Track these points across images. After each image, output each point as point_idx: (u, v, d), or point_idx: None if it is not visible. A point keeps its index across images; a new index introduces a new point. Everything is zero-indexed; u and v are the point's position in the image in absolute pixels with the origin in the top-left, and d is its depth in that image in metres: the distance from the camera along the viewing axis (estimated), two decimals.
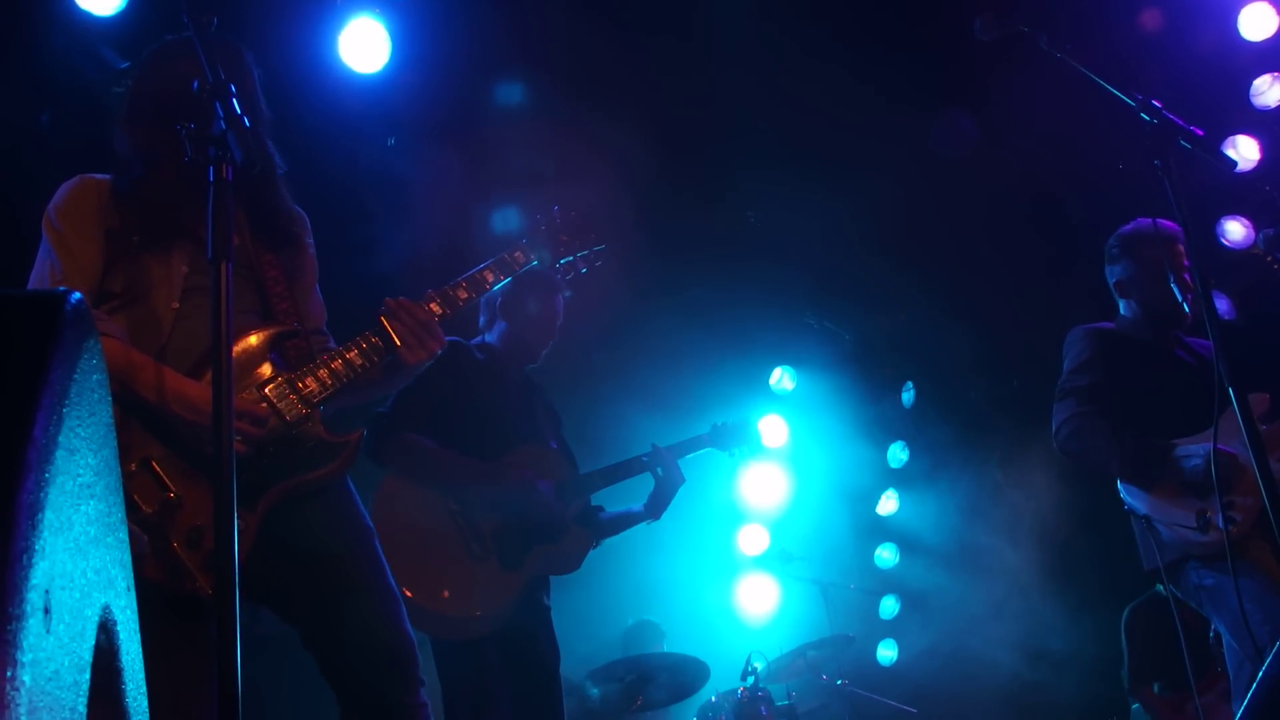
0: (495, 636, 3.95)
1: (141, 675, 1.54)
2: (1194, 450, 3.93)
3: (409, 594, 3.66)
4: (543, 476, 4.12)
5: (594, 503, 4.43)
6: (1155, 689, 6.11)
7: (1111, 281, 4.53)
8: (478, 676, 3.89)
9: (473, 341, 4.37)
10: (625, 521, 4.44)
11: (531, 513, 4.03)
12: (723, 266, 7.22)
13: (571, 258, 3.49)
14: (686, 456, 4.55)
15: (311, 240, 3.11)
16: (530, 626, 4.07)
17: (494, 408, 4.18)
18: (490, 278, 3.14)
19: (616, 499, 4.53)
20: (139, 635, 1.54)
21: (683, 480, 4.42)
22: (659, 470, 4.40)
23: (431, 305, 2.99)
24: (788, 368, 8.27)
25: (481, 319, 4.49)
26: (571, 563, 4.19)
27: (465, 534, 3.95)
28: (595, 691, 5.65)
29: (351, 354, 2.83)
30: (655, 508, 4.41)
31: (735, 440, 4.75)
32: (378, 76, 5.44)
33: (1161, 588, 6.31)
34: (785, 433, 8.18)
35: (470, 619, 3.88)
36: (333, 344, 2.99)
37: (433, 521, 3.95)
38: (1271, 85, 6.39)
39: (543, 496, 4.06)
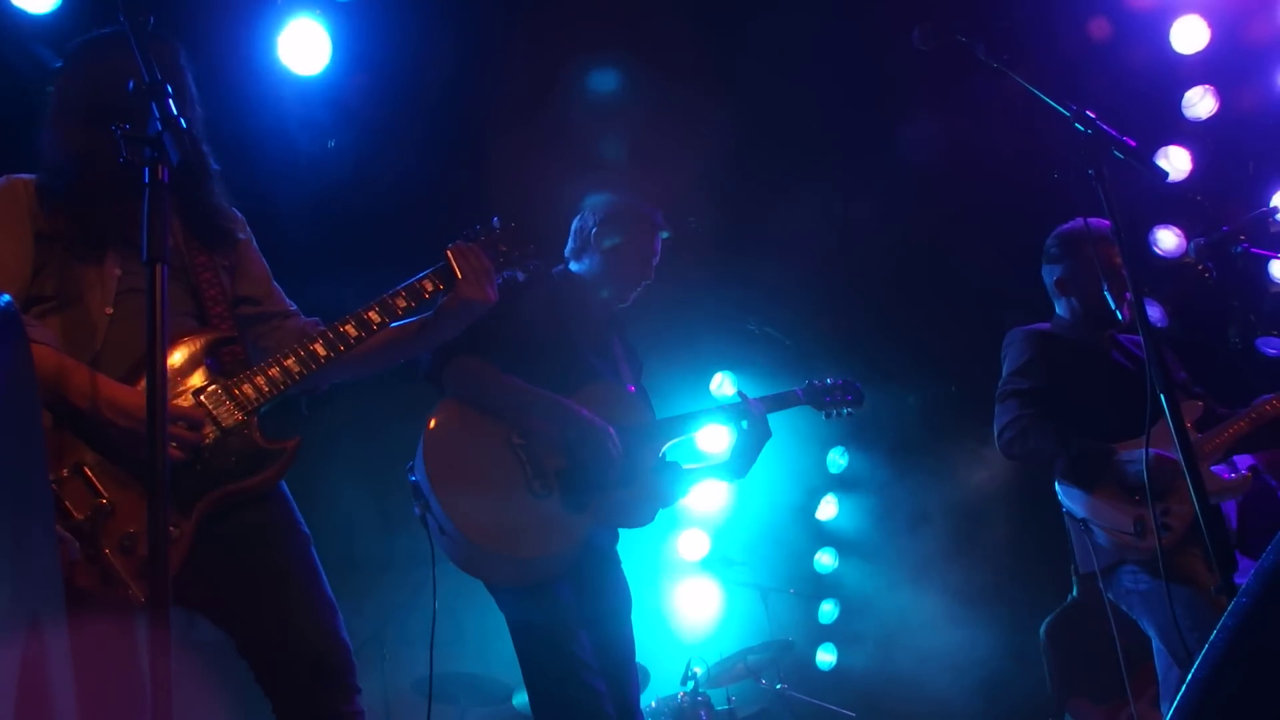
0: (564, 581, 3.61)
1: (70, 683, 1.52)
2: (1136, 456, 3.91)
3: (464, 532, 3.42)
4: (617, 420, 3.77)
5: (670, 456, 4.03)
6: (1086, 700, 6.15)
7: (1050, 281, 4.53)
8: (550, 618, 3.53)
9: (555, 269, 4.11)
10: (705, 475, 4.08)
11: (595, 460, 3.66)
12: (662, 271, 7.20)
13: (511, 268, 3.45)
14: (776, 413, 4.15)
15: (248, 236, 3.08)
16: (600, 577, 3.76)
17: (570, 339, 3.92)
18: (429, 286, 3.10)
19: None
20: (68, 643, 1.51)
21: (770, 435, 4.03)
22: (744, 423, 4.02)
23: (370, 314, 2.97)
24: (728, 373, 8.29)
25: (570, 245, 4.18)
26: (642, 515, 3.80)
27: (527, 469, 3.63)
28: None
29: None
30: (740, 464, 4.02)
31: (835, 400, 4.37)
32: (318, 78, 5.39)
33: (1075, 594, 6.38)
34: (726, 438, 8.18)
35: (526, 560, 3.54)
36: (304, 319, 3.07)
37: (492, 452, 3.63)
38: (1203, 98, 6.51)
39: (609, 448, 3.67)
